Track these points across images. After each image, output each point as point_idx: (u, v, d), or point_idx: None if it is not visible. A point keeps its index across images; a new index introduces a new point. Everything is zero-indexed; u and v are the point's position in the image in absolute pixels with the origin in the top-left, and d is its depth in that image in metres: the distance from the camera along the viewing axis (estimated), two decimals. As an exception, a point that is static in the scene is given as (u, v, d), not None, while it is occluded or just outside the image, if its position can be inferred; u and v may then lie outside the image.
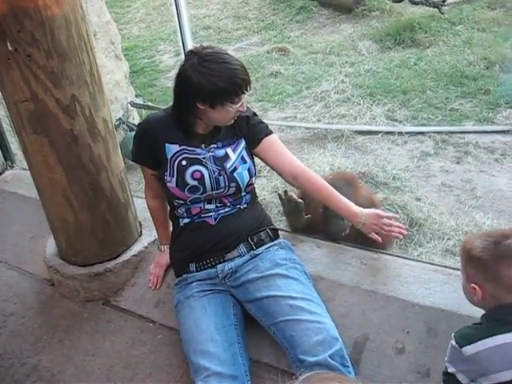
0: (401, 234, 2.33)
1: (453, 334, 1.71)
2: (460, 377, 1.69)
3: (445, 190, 4.36)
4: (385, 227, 2.31)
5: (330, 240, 2.65)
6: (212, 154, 2.27)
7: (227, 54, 2.15)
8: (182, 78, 2.14)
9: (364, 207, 2.40)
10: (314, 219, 2.69)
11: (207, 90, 2.07)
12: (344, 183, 2.74)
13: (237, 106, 2.14)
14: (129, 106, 5.92)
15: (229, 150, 2.30)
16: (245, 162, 2.32)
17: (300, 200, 2.64)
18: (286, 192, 2.65)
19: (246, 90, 2.13)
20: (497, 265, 1.65)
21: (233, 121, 2.24)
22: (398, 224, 2.34)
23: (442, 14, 7.15)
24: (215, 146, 2.29)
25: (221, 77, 2.06)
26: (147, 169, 2.37)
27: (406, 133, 5.21)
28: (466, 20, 7.31)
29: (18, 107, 2.24)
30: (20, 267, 3.05)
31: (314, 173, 2.43)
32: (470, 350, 1.64)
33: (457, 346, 1.67)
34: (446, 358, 1.74)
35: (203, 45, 2.17)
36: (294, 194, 2.67)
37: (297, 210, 2.68)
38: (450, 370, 1.71)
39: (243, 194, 2.36)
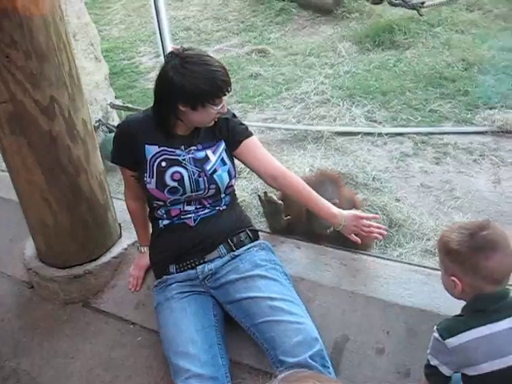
0: (381, 234, 2.34)
1: (435, 327, 1.74)
2: (442, 369, 1.72)
3: (424, 191, 4.38)
4: (364, 228, 2.32)
5: (312, 240, 2.65)
6: (192, 155, 2.27)
7: (208, 55, 2.16)
8: (163, 80, 2.14)
9: (346, 207, 2.41)
10: (297, 219, 2.70)
11: (189, 92, 2.08)
12: (327, 182, 2.76)
13: (218, 107, 2.15)
14: (108, 107, 5.88)
15: (209, 152, 2.30)
16: (224, 163, 2.32)
17: (280, 201, 2.65)
18: (265, 193, 2.66)
19: (227, 91, 2.14)
20: (474, 256, 1.67)
21: (213, 122, 2.24)
22: (377, 225, 2.36)
23: (420, 15, 7.19)
24: (195, 148, 2.29)
25: (202, 78, 2.07)
26: (126, 170, 2.36)
27: (386, 134, 5.22)
28: (445, 22, 7.37)
29: (-3, 108, 2.22)
30: (-1, 270, 3.02)
31: (294, 174, 2.44)
32: (453, 342, 1.67)
33: (440, 338, 1.70)
34: (428, 351, 1.76)
35: (184, 46, 2.17)
36: (273, 195, 2.67)
37: (276, 211, 2.68)
38: (433, 362, 1.74)
39: (223, 195, 2.36)
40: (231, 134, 2.34)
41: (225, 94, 2.14)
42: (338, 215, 2.33)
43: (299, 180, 2.39)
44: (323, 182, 2.75)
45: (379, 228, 2.34)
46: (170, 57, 2.14)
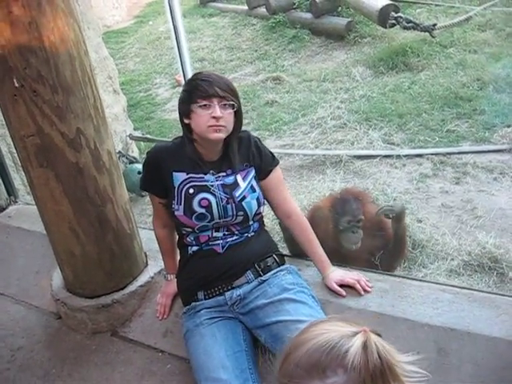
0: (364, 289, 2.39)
1: None
2: None
3: (445, 211, 4.38)
4: (349, 281, 2.40)
5: (339, 260, 2.65)
6: (221, 182, 2.28)
7: (216, 74, 2.23)
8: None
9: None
10: (323, 240, 2.72)
11: (180, 100, 2.22)
12: (352, 199, 2.78)
13: (208, 111, 2.16)
14: (128, 139, 5.97)
15: (238, 178, 2.31)
16: (254, 191, 2.34)
17: None
18: None
19: (215, 96, 2.15)
20: None
21: (218, 135, 2.20)
22: (365, 282, 2.41)
23: (433, 37, 7.27)
24: (224, 173, 2.30)
25: (197, 84, 2.17)
26: (155, 197, 2.39)
27: (404, 156, 5.25)
28: (457, 42, 7.41)
29: (25, 142, 2.27)
30: (26, 301, 3.04)
31: (305, 217, 2.52)
32: None
33: None
34: None
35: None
36: None
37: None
38: None
39: (251, 222, 2.37)
40: (263, 162, 2.37)
41: (210, 97, 2.15)
42: (327, 268, 2.42)
43: (308, 225, 2.48)
44: (348, 199, 2.78)
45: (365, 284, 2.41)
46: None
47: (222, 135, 2.21)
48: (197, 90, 2.16)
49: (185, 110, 2.22)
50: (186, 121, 2.23)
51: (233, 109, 2.21)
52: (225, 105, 2.17)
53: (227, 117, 2.19)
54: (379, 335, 1.10)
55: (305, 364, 1.06)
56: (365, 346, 1.02)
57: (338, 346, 1.03)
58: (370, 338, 1.04)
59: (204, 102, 2.15)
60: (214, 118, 2.15)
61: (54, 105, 2.19)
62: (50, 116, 2.20)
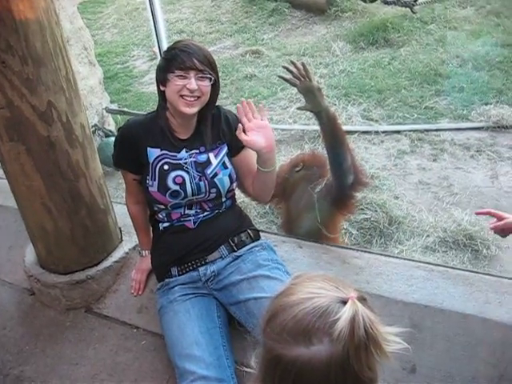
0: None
1: None
2: None
3: (422, 188, 4.40)
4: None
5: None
6: (194, 159, 2.26)
7: (196, 44, 2.18)
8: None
9: None
10: None
11: (160, 65, 2.20)
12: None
13: (183, 82, 2.12)
14: (104, 111, 5.89)
15: (211, 155, 2.29)
16: (226, 167, 2.31)
17: None
18: None
19: (193, 69, 2.11)
20: None
21: (190, 109, 2.17)
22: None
23: (414, 13, 7.25)
24: (197, 151, 2.27)
25: (175, 53, 2.13)
26: (128, 173, 2.35)
27: (383, 132, 5.25)
28: (438, 19, 7.40)
29: (-6, 115, 2.21)
30: (-1, 277, 3.01)
31: None
32: None
33: None
34: None
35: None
36: None
37: None
38: None
39: (224, 199, 2.35)
40: (234, 139, 2.28)
41: (188, 69, 2.11)
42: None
43: None
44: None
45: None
46: None
47: (194, 109, 2.18)
48: (175, 61, 2.12)
49: (161, 78, 2.19)
50: (162, 88, 2.21)
51: (210, 81, 2.17)
52: (202, 77, 2.14)
53: (203, 88, 2.16)
54: (365, 299, 1.11)
55: (291, 330, 1.07)
56: (352, 319, 1.03)
57: (326, 314, 1.04)
58: (358, 311, 1.04)
59: (181, 73, 2.12)
60: (188, 89, 2.13)
61: (23, 76, 2.12)
62: (20, 88, 2.13)
